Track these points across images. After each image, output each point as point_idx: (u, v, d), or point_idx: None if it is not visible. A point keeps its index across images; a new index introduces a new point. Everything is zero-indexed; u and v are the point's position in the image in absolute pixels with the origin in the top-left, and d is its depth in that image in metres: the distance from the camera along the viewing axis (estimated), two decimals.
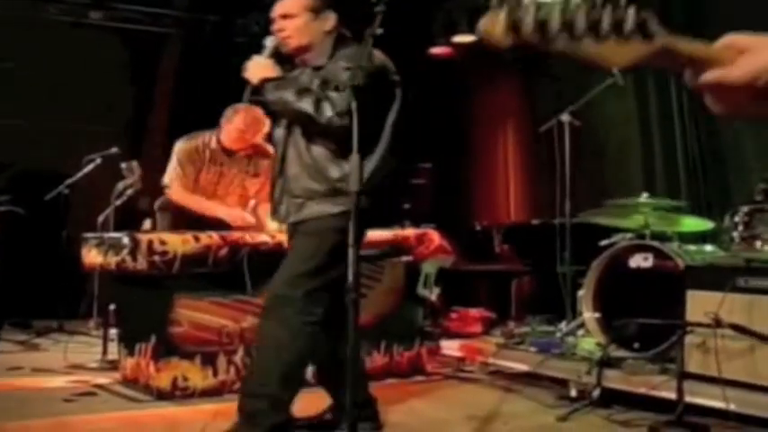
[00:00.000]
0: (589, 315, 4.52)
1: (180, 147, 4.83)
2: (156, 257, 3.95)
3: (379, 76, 2.99)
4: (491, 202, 8.12)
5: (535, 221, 6.23)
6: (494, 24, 0.98)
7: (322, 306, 2.99)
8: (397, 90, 3.14)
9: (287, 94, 2.98)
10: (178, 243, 4.01)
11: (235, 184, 4.90)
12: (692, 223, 4.76)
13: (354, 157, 2.52)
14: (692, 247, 4.42)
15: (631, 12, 0.99)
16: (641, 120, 6.17)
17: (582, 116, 5.13)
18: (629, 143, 6.26)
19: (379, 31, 2.69)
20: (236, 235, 4.21)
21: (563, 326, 4.95)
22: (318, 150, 3.02)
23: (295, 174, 3.08)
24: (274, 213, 3.22)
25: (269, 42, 3.16)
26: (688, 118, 5.72)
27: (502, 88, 8.01)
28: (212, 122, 4.89)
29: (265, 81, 3.04)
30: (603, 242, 4.66)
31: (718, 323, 3.51)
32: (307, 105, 2.92)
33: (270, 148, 4.39)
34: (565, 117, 5.03)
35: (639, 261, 4.39)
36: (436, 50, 7.99)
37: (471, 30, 7.57)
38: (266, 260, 3.85)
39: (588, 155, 6.19)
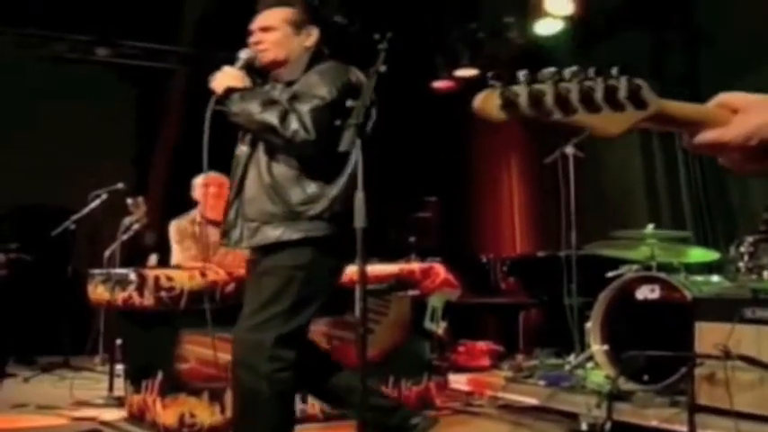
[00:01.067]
0: (597, 347, 4.50)
1: (172, 227, 4.91)
2: (163, 293, 3.96)
3: (348, 94, 2.84)
4: (496, 235, 8.13)
5: (541, 254, 6.21)
6: (489, 101, 1.00)
7: (294, 348, 2.79)
8: (372, 111, 2.96)
9: (252, 105, 2.84)
10: (185, 279, 4.01)
11: (229, 254, 4.89)
12: (698, 254, 4.77)
13: (359, 195, 2.50)
14: (698, 279, 4.42)
15: (623, 81, 1.02)
16: (644, 151, 6.20)
17: (586, 148, 5.15)
18: (633, 174, 6.28)
19: (383, 68, 2.67)
20: (243, 271, 4.18)
21: (571, 359, 4.93)
22: (281, 170, 2.88)
23: (252, 195, 2.93)
24: (224, 237, 3.03)
25: (243, 54, 3.04)
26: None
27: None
28: (216, 160, 4.92)
29: (231, 91, 2.90)
30: (610, 274, 4.67)
31: (727, 355, 3.49)
32: (272, 117, 2.79)
33: None
34: (569, 149, 5.05)
35: (647, 293, 4.39)
36: (439, 84, 8.06)
37: (474, 63, 7.68)
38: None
39: (593, 186, 6.21)
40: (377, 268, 4.61)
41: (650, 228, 4.64)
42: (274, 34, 3.02)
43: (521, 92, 1.00)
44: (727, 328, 3.58)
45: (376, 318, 4.60)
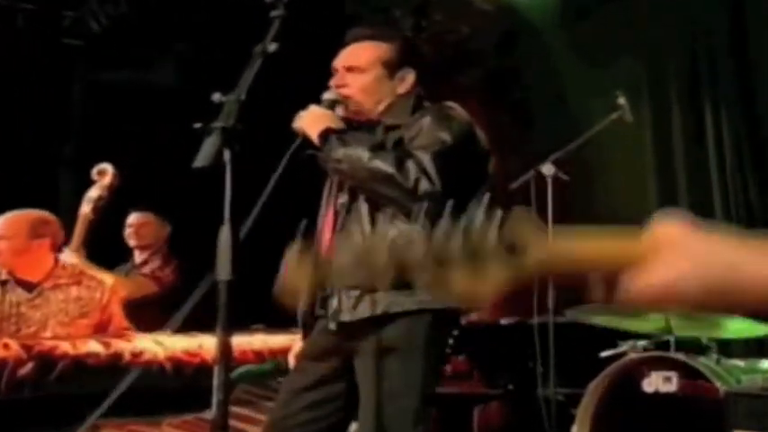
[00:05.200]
0: None
1: None
2: None
3: (468, 140, 3.31)
4: None
5: (505, 321, 6.18)
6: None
7: None
8: (490, 164, 3.42)
9: (358, 150, 3.19)
10: None
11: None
12: (739, 327, 4.78)
13: (225, 232, 2.63)
14: (738, 364, 4.46)
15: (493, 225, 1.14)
16: (661, 172, 6.30)
17: (572, 166, 5.23)
18: (644, 206, 6.35)
19: (273, 47, 2.88)
20: (47, 343, 4.16)
21: None
22: (388, 227, 3.20)
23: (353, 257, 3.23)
24: (321, 308, 3.37)
25: (327, 96, 3.40)
26: (731, 170, 5.89)
27: None
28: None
29: (328, 132, 3.24)
30: (605, 353, 4.73)
31: None
32: (386, 164, 3.14)
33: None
34: (547, 168, 5.11)
35: (659, 382, 4.43)
36: None
37: (417, 36, 7.69)
38: (95, 381, 3.83)
39: (580, 221, 6.26)
40: (257, 339, 4.63)
41: None
42: (363, 78, 3.42)
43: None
44: None
45: (253, 415, 4.53)
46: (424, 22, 7.69)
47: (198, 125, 2.79)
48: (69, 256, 5.25)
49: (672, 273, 1.22)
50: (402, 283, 2.82)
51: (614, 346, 4.75)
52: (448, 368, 6.23)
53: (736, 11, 6.14)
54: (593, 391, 4.55)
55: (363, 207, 3.29)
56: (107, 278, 5.17)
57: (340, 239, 3.34)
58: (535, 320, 5.08)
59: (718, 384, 4.18)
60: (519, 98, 7.35)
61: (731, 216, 5.91)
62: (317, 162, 3.30)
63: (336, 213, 3.41)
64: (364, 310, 3.23)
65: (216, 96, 2.85)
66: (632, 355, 4.57)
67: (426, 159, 3.13)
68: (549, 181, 5.12)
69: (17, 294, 4.89)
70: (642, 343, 4.68)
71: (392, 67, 3.45)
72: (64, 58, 8.02)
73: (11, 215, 4.93)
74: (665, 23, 6.47)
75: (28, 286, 4.91)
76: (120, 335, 4.66)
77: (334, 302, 3.31)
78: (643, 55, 6.65)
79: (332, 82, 3.45)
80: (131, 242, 6.50)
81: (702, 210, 6.00)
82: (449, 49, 7.67)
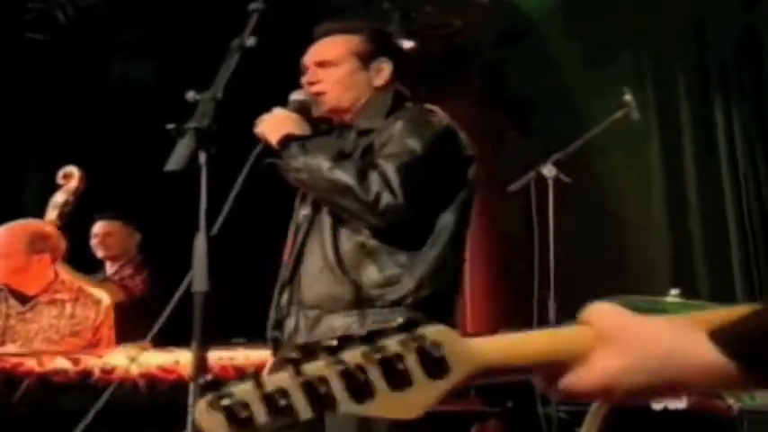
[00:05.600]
0: None
1: None
2: None
3: (444, 146, 3.29)
4: None
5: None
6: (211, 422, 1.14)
7: None
8: (471, 169, 3.40)
9: (319, 159, 3.19)
10: None
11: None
12: None
13: (200, 240, 2.60)
14: None
15: (409, 344, 1.17)
16: (670, 168, 6.30)
17: (575, 168, 5.25)
18: (651, 210, 6.33)
19: (251, 41, 2.85)
20: (12, 359, 4.14)
21: None
22: (351, 243, 3.23)
23: (313, 275, 3.28)
24: (276, 329, 3.38)
25: (295, 96, 3.42)
26: (743, 165, 5.84)
27: (453, 117, 8.05)
28: None
29: (288, 139, 3.24)
30: None
31: None
32: (346, 175, 3.13)
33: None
34: (547, 169, 5.14)
35: (668, 399, 4.35)
36: None
37: (408, 32, 7.79)
38: (63, 401, 3.87)
39: (584, 228, 6.22)
40: (239, 354, 4.57)
41: (674, 294, 4.66)
42: (336, 71, 3.41)
43: (250, 398, 1.13)
44: None
45: None
46: (414, 14, 7.65)
47: (171, 126, 2.75)
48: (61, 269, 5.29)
49: (613, 366, 1.27)
50: (364, 302, 3.14)
51: None
52: None
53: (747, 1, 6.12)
54: (597, 408, 4.48)
55: (326, 220, 3.30)
56: (104, 297, 5.18)
57: (300, 254, 3.35)
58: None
59: (731, 401, 4.18)
60: (517, 96, 7.31)
61: (743, 212, 5.88)
62: (278, 171, 3.30)
63: (298, 227, 3.43)
64: (322, 332, 3.19)
65: (190, 95, 2.81)
66: None
67: (391, 171, 3.12)
68: (550, 183, 5.16)
69: (9, 305, 4.96)
70: None
71: (366, 58, 3.44)
72: (26, 53, 7.94)
73: (7, 228, 4.99)
74: (670, 17, 6.45)
75: (23, 298, 4.97)
76: (87, 349, 4.65)
77: (290, 323, 3.32)
78: (648, 50, 6.65)
79: (303, 80, 3.45)
80: (98, 253, 6.46)
81: (713, 208, 5.97)
82: (439, 43, 7.63)
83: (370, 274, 3.19)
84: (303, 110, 3.40)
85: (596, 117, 5.28)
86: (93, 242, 6.45)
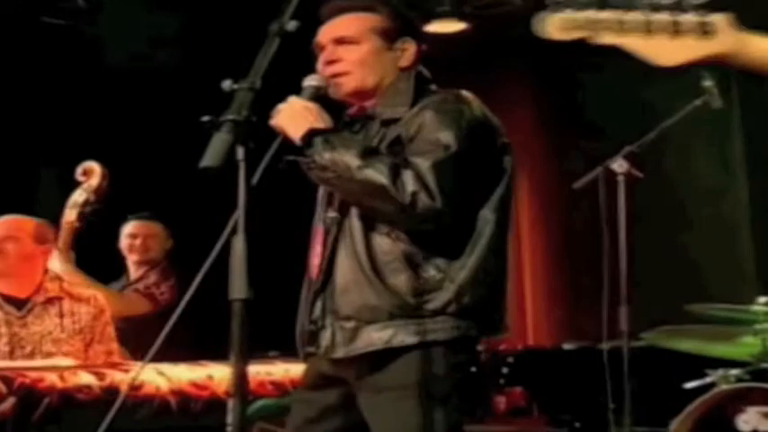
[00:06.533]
0: None
1: None
2: None
3: (478, 137, 3.24)
4: None
5: (569, 346, 6.34)
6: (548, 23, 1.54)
7: None
8: (507, 159, 3.37)
9: (347, 156, 3.12)
10: None
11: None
12: None
13: (239, 241, 2.58)
14: None
15: (693, 5, 1.42)
16: (755, 170, 6.21)
17: (648, 162, 5.22)
18: (734, 209, 6.28)
19: (292, 25, 2.79)
20: (31, 374, 4.14)
21: None
22: (386, 247, 3.22)
23: (346, 282, 3.26)
24: (309, 344, 3.38)
25: (310, 82, 3.34)
26: None
27: (510, 108, 8.00)
28: None
29: (312, 134, 3.17)
30: (691, 384, 4.72)
31: None
32: (379, 174, 3.09)
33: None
34: (617, 164, 5.09)
35: (756, 420, 4.46)
36: None
37: (460, 13, 7.73)
38: (88, 418, 3.81)
39: (659, 228, 6.17)
40: (277, 369, 4.65)
41: (764, 303, 4.64)
42: (358, 50, 3.37)
43: (578, 15, 1.49)
44: None
45: None
46: None
47: (206, 118, 2.72)
48: (58, 266, 5.39)
49: None
50: (404, 311, 3.18)
51: (702, 376, 4.72)
52: (502, 403, 6.21)
53: None
54: (676, 430, 4.48)
55: (356, 223, 3.28)
56: (98, 292, 5.29)
57: (331, 262, 3.33)
58: (605, 345, 5.08)
59: None
60: (581, 82, 7.26)
61: None
62: (299, 169, 3.24)
63: (327, 231, 3.39)
64: (361, 345, 3.21)
65: (226, 84, 2.78)
66: (723, 387, 4.55)
67: (425, 169, 3.10)
68: (621, 179, 5.10)
69: (5, 312, 4.98)
70: (735, 372, 4.67)
71: (389, 37, 3.42)
72: (42, 38, 7.98)
73: (8, 218, 5.07)
74: None
75: (16, 302, 5.01)
76: (112, 362, 4.68)
77: (325, 336, 3.31)
78: None
79: (320, 61, 3.40)
80: (132, 256, 6.39)
81: None
82: (494, 25, 7.59)
83: (408, 280, 3.19)
84: (319, 97, 3.35)
85: (672, 105, 5.21)
86: (127, 243, 6.35)
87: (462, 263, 3.21)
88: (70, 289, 5.15)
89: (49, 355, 4.98)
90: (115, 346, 5.12)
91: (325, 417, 3.38)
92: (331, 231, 3.35)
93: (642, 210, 5.29)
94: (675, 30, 1.38)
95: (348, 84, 3.36)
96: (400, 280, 3.18)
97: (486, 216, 3.29)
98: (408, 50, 3.43)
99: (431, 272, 3.17)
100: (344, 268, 3.27)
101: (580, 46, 1.47)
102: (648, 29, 1.38)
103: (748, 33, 1.41)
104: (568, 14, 1.43)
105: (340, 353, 3.25)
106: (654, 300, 5.36)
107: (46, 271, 5.09)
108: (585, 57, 7.33)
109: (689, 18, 1.38)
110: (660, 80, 6.28)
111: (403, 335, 3.16)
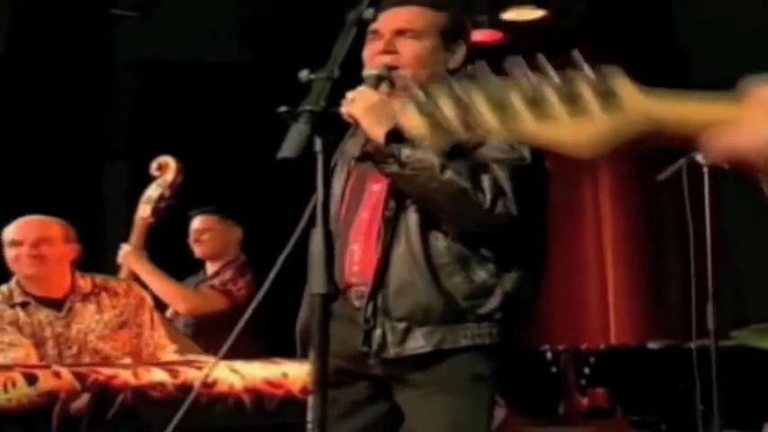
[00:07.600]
0: None
1: None
2: None
3: (540, 155, 3.26)
4: (570, 312, 8.36)
5: (654, 345, 6.30)
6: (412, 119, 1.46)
7: None
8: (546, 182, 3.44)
9: (429, 154, 3.11)
10: None
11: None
12: None
13: (317, 234, 2.67)
14: None
15: (587, 75, 1.36)
16: None
17: None
18: None
19: (369, 12, 2.90)
20: (105, 371, 4.18)
21: None
22: (442, 249, 3.26)
23: (401, 284, 3.28)
24: (364, 344, 3.34)
25: (372, 71, 3.32)
26: None
27: None
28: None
29: (395, 134, 3.11)
30: None
31: None
32: (460, 177, 3.12)
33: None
34: (702, 156, 5.00)
35: None
36: (478, 36, 8.00)
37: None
38: (162, 416, 3.77)
39: (751, 221, 6.10)
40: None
41: None
42: (417, 45, 3.37)
43: (445, 104, 1.41)
44: None
45: None
46: None
47: (284, 109, 2.75)
48: (128, 258, 5.65)
49: (759, 132, 1.46)
50: (456, 315, 3.24)
51: None
52: (584, 403, 6.17)
53: None
54: None
55: (413, 222, 3.29)
56: (133, 284, 5.41)
57: (385, 260, 3.32)
58: (693, 344, 5.05)
59: None
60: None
61: None
62: (370, 159, 3.26)
63: (384, 227, 3.35)
64: (413, 346, 3.26)
65: (303, 74, 2.81)
66: None
67: (503, 176, 3.15)
68: (706, 171, 5.05)
69: (45, 315, 5.02)
70: None
71: (448, 37, 3.44)
72: (112, 31, 8.04)
73: (33, 218, 5.11)
74: None
75: (54, 304, 5.06)
76: (186, 360, 4.74)
77: (377, 335, 3.31)
78: None
79: (373, 48, 3.37)
80: (195, 251, 6.44)
81: None
82: (576, 10, 7.56)
83: (462, 283, 3.25)
84: (380, 87, 3.31)
85: None
86: (195, 238, 6.44)
87: (512, 269, 3.27)
88: (104, 283, 5.21)
89: (95, 352, 5.07)
90: (163, 331, 5.24)
91: (353, 413, 3.40)
92: (387, 229, 3.33)
93: (730, 202, 5.19)
94: (574, 109, 1.34)
95: (398, 81, 3.32)
96: (454, 283, 3.24)
97: (534, 224, 3.34)
98: (459, 54, 3.46)
99: (483, 276, 3.25)
100: (400, 269, 3.29)
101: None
102: (542, 114, 1.34)
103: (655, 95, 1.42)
104: (432, 104, 1.40)
105: (391, 353, 3.28)
106: (748, 295, 5.29)
107: (74, 270, 5.13)
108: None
109: (586, 91, 1.36)
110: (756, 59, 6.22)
111: (452, 338, 3.24)
